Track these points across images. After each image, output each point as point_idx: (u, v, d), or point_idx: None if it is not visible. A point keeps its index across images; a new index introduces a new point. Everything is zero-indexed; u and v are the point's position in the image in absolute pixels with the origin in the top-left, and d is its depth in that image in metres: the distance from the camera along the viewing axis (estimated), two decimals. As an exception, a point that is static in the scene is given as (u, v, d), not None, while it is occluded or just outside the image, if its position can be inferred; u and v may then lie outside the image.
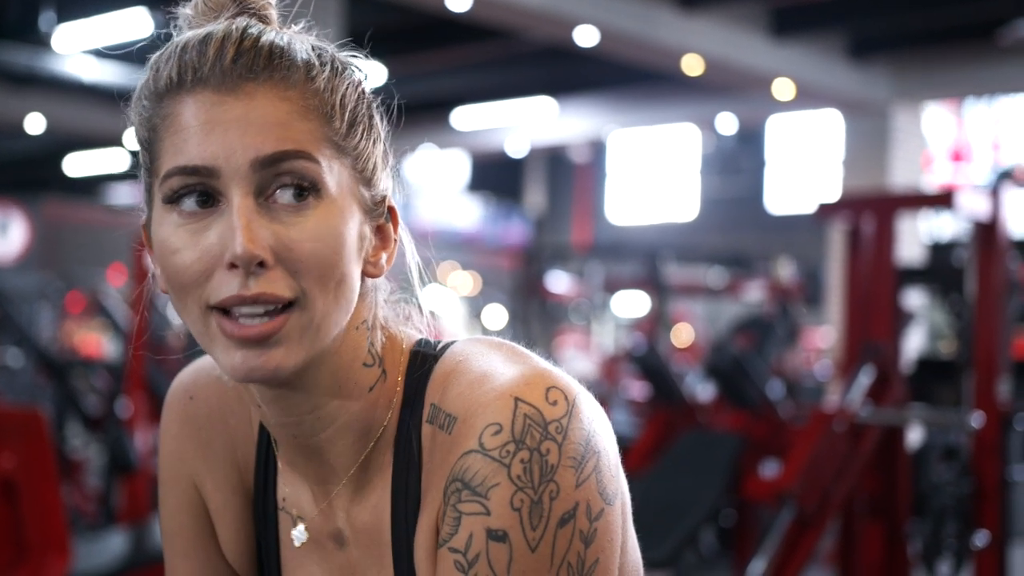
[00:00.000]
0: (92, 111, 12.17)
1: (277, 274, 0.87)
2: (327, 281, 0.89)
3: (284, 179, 0.88)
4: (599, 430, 0.91)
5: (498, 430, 0.87)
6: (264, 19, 0.96)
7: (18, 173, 18.23)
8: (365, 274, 0.96)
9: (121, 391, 5.99)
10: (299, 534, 1.03)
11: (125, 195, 20.49)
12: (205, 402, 1.09)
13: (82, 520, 6.03)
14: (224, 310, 0.88)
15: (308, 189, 0.88)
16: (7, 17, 8.59)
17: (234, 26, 0.91)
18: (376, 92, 1.00)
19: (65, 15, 8.54)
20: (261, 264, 0.86)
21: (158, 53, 0.93)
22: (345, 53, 0.98)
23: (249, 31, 0.91)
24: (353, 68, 0.96)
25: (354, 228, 0.92)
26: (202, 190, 0.88)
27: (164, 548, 1.13)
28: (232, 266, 0.87)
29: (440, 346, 1.00)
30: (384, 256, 0.97)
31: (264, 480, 1.07)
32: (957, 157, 14.15)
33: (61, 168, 16.91)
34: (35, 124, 12.38)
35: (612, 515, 0.89)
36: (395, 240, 0.98)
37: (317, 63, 0.92)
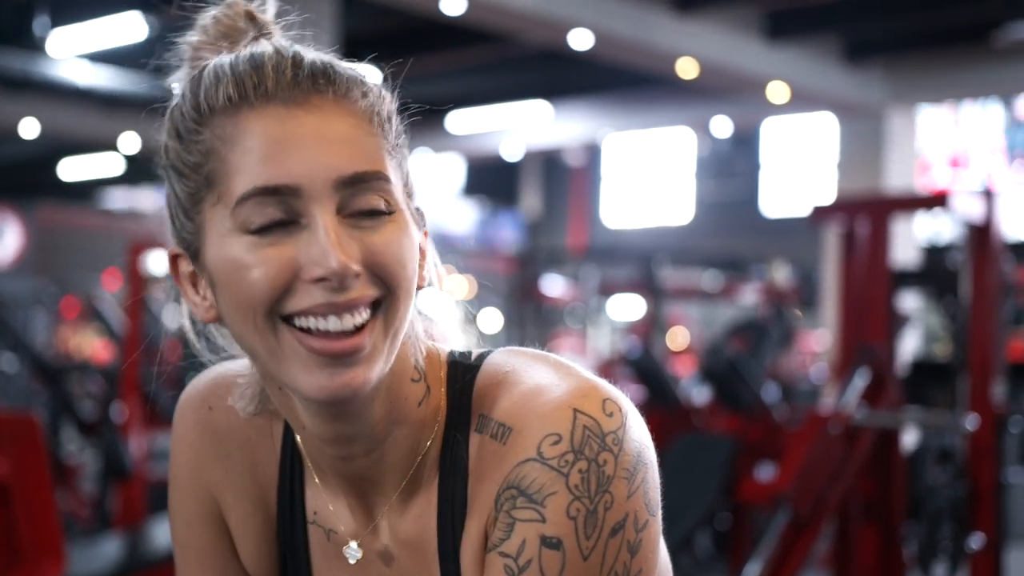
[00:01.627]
0: (87, 115, 12.15)
1: (363, 280, 0.88)
2: (407, 286, 0.90)
3: (357, 200, 0.88)
4: (647, 443, 0.92)
5: (557, 440, 0.89)
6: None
7: (12, 178, 18.21)
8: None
9: (116, 396, 5.98)
10: (353, 551, 1.02)
11: (120, 200, 20.47)
12: (224, 413, 1.07)
13: (77, 525, 6.03)
14: (302, 327, 0.88)
15: (383, 207, 0.89)
16: (1, 21, 8.57)
17: (274, 46, 0.91)
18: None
19: (59, 19, 8.53)
20: (355, 276, 0.87)
21: (188, 80, 0.92)
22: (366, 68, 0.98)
23: (294, 49, 0.91)
24: (382, 85, 0.96)
25: (416, 238, 0.93)
26: (282, 208, 0.87)
27: (176, 556, 1.12)
28: (320, 280, 0.86)
29: (476, 356, 1.00)
30: (426, 267, 0.97)
31: (290, 495, 1.06)
32: (956, 163, 14.15)
33: (56, 173, 16.89)
34: (29, 129, 12.37)
35: (655, 526, 0.91)
36: (425, 253, 0.98)
37: (363, 79, 0.93)
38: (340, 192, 0.87)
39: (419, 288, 0.96)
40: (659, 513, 0.92)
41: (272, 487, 1.07)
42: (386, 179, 0.89)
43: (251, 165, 0.87)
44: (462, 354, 1.01)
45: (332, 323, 0.87)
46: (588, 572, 0.87)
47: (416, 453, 0.98)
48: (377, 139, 0.90)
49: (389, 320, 0.90)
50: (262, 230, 0.87)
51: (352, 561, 1.02)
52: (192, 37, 0.96)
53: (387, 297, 0.89)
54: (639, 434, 0.91)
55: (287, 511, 1.06)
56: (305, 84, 0.88)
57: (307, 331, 0.88)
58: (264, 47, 0.91)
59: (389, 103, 0.94)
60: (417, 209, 0.96)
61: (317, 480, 1.03)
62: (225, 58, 0.91)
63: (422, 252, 0.96)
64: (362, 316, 0.88)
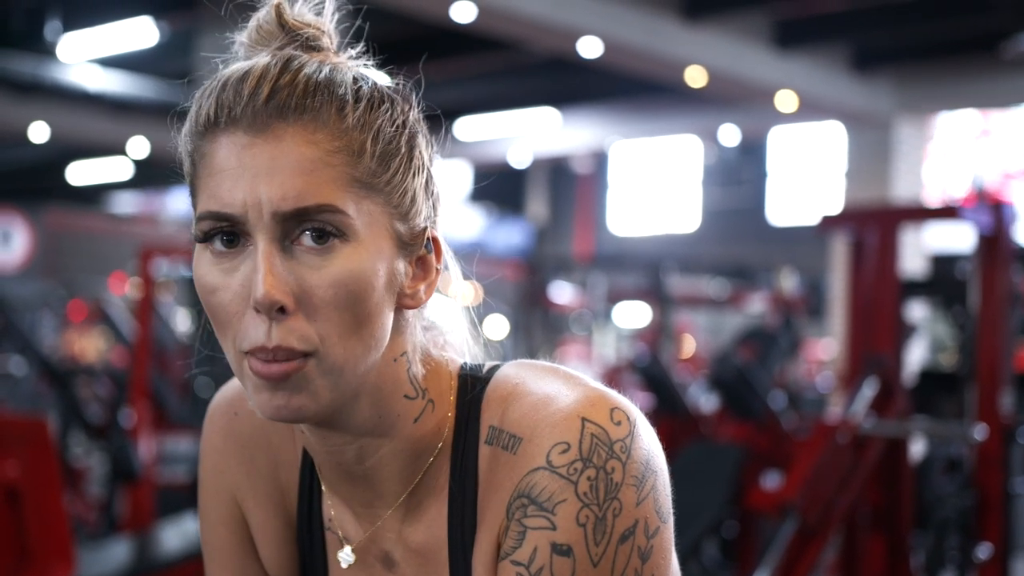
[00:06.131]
0: (96, 120, 12.19)
1: (298, 320, 0.88)
2: (349, 324, 0.89)
3: (306, 228, 0.88)
4: (656, 451, 0.94)
5: (566, 448, 0.90)
6: (315, 47, 0.95)
7: (21, 181, 18.27)
8: (403, 307, 0.96)
9: (124, 399, 5.99)
10: (346, 556, 1.04)
11: (128, 204, 20.51)
12: (249, 419, 1.10)
13: (84, 529, 6.03)
14: None
15: (331, 236, 0.89)
16: (13, 26, 8.61)
17: (274, 61, 0.91)
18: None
19: (71, 24, 8.57)
20: (282, 309, 0.87)
21: (204, 85, 0.93)
22: (390, 82, 0.97)
23: (290, 66, 0.91)
24: (395, 99, 0.96)
25: (383, 266, 0.91)
26: (231, 232, 0.90)
27: (204, 558, 1.15)
28: (257, 309, 0.88)
29: (487, 369, 1.01)
30: (423, 287, 0.97)
31: (309, 500, 1.08)
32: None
33: (64, 176, 16.95)
34: (39, 132, 12.41)
35: (667, 532, 0.92)
36: (437, 270, 0.98)
37: (352, 99, 0.91)
38: (283, 224, 0.88)
39: (410, 308, 0.96)
40: (671, 520, 0.94)
41: (293, 491, 1.09)
42: (333, 211, 0.88)
43: (210, 189, 0.89)
44: (473, 367, 1.02)
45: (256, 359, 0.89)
46: None
47: (418, 466, 0.99)
48: (337, 170, 0.89)
49: (326, 359, 0.89)
50: (215, 250, 0.90)
51: (344, 565, 1.04)
52: (243, 37, 0.97)
53: (318, 342, 0.88)
54: (648, 442, 0.93)
55: (306, 516, 1.08)
56: (272, 110, 0.88)
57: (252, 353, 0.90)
58: (261, 62, 0.91)
59: (382, 126, 0.93)
60: (411, 230, 0.95)
61: (326, 489, 1.05)
62: (228, 71, 0.92)
63: (425, 268, 0.96)
64: (286, 363, 0.88)
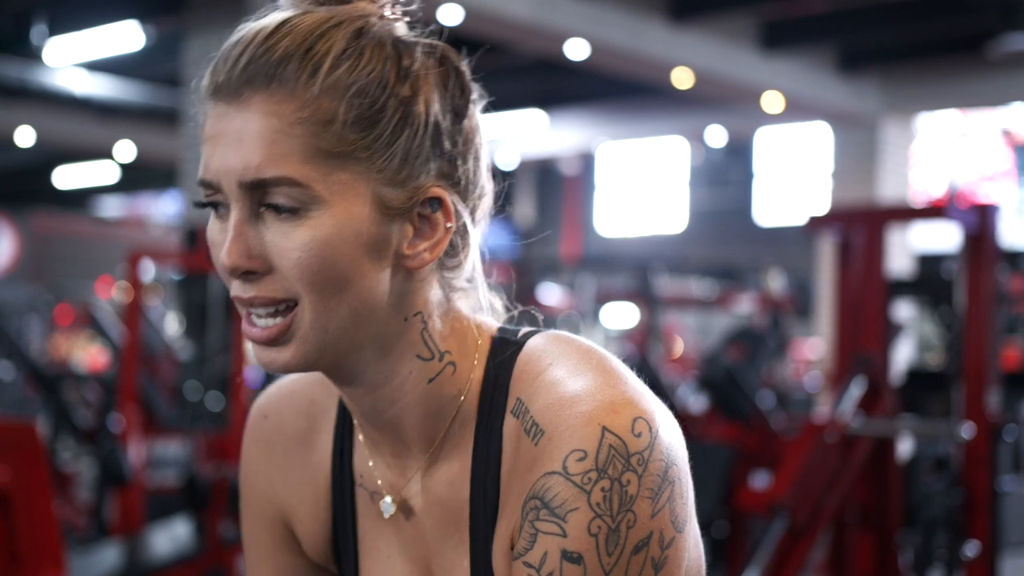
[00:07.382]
0: (82, 124, 12.16)
1: (273, 279, 0.92)
2: (324, 287, 0.91)
3: (269, 199, 0.90)
4: (676, 458, 0.92)
5: (582, 457, 0.89)
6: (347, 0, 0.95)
7: (8, 185, 18.21)
8: (406, 267, 0.95)
9: (113, 404, 5.98)
10: (387, 506, 1.05)
11: (114, 208, 20.46)
12: (278, 418, 1.14)
13: (74, 534, 6.02)
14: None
15: (294, 205, 0.90)
16: (-2, 30, 8.59)
17: (270, 23, 0.92)
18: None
19: (57, 28, 8.55)
20: (249, 272, 0.92)
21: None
22: (405, 36, 0.96)
23: (281, 28, 0.91)
24: (388, 55, 0.93)
25: (358, 232, 0.91)
26: (218, 198, 0.93)
27: (245, 555, 1.20)
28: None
29: (520, 335, 1.01)
30: (424, 247, 0.95)
31: (340, 461, 1.10)
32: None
33: (51, 180, 16.88)
34: (25, 136, 12.37)
35: (682, 542, 0.92)
36: (447, 229, 0.96)
37: (329, 64, 0.90)
38: (250, 193, 0.90)
39: (414, 268, 0.95)
40: (687, 527, 0.93)
41: (326, 461, 1.11)
42: (293, 184, 0.89)
43: (202, 156, 0.93)
44: (508, 330, 1.03)
45: (245, 312, 0.95)
46: None
47: (440, 422, 1.00)
48: (298, 141, 0.89)
49: (306, 313, 0.92)
50: (217, 215, 0.94)
51: (386, 515, 1.05)
52: None
53: (297, 295, 0.92)
54: (667, 452, 0.91)
55: (338, 477, 1.10)
56: (246, 77, 0.90)
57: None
58: (252, 26, 0.92)
59: (363, 87, 0.91)
60: (404, 191, 0.93)
61: (361, 437, 1.07)
62: (236, 34, 0.93)
63: (432, 226, 0.95)
64: (263, 319, 0.93)
